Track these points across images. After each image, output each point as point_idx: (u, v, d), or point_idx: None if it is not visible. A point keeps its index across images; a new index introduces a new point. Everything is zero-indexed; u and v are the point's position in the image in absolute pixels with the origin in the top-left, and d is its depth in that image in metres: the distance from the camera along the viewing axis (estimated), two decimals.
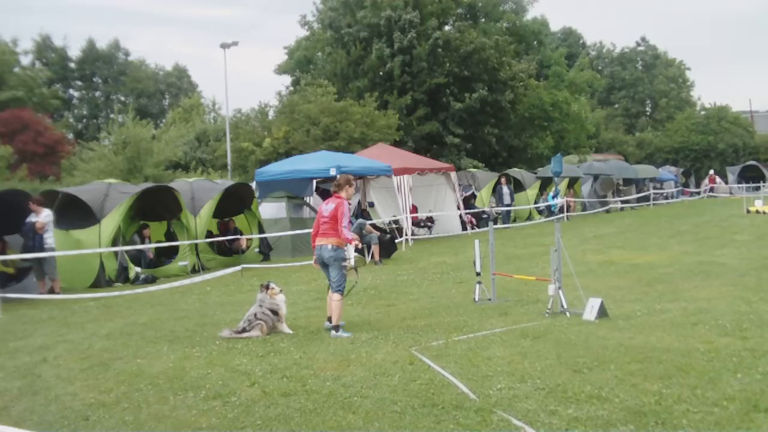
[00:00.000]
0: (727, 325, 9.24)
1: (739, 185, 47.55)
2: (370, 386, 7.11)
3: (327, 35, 44.19)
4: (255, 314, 9.90)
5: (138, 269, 17.37)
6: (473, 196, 30.86)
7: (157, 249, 18.58)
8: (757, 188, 44.32)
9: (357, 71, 41.06)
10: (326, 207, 10.29)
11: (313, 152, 27.24)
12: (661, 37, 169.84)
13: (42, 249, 15.06)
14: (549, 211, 32.19)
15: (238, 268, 17.08)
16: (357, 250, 18.63)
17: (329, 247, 10.07)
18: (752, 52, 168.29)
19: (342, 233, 9.96)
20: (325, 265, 10.20)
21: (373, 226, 20.46)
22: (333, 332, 9.69)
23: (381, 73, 40.77)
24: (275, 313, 10.00)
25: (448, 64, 40.46)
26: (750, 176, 49.84)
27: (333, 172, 21.64)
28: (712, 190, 48.53)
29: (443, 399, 6.62)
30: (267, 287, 10.22)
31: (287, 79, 50.56)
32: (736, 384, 6.76)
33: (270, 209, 22.22)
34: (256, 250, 20.41)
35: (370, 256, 18.67)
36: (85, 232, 16.89)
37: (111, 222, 17.02)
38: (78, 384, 7.77)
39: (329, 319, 10.06)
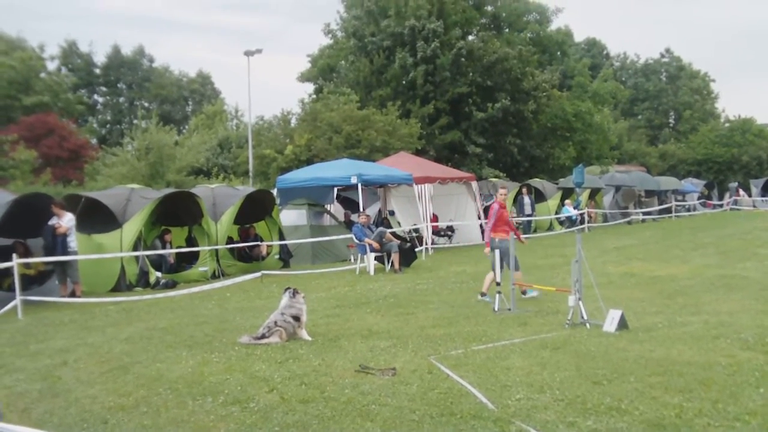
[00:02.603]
0: (749, 339, 9.16)
1: (763, 198, 47.10)
2: (389, 394, 7.09)
3: (350, 44, 44.32)
4: (275, 321, 9.94)
5: (158, 274, 17.45)
6: None
7: (177, 254, 18.67)
8: None
9: (380, 80, 41.13)
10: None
11: (335, 160, 27.30)
12: (685, 49, 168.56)
13: (66, 252, 15.18)
14: (570, 221, 32.03)
15: (258, 274, 17.11)
16: (377, 258, 18.68)
17: (496, 239, 12.91)
18: None
19: (486, 231, 13.20)
20: (492, 249, 12.70)
21: (394, 234, 20.46)
22: (479, 296, 12.86)
23: (404, 82, 40.82)
24: (297, 319, 10.05)
25: (471, 74, 40.45)
26: None
27: (354, 180, 21.68)
28: (735, 202, 48.09)
29: (461, 408, 6.60)
30: (296, 292, 10.35)
31: (310, 87, 50.75)
32: (758, 399, 6.70)
33: (291, 216, 22.29)
34: (276, 256, 20.45)
35: (390, 265, 18.65)
36: (107, 236, 17.00)
37: (133, 227, 17.12)
38: (97, 387, 7.81)
39: (482, 294, 12.76)
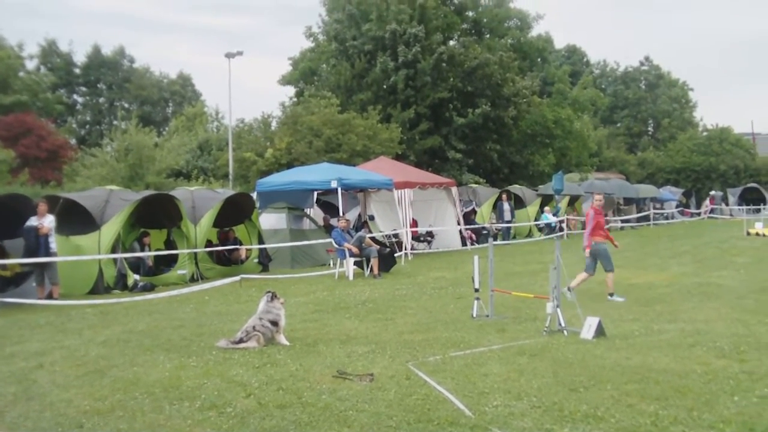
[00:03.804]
0: (724, 347, 9.27)
1: (740, 207, 47.57)
2: (366, 400, 7.09)
3: (332, 47, 44.31)
4: (254, 326, 9.89)
5: (136, 277, 17.35)
6: (474, 211, 30.88)
7: (156, 257, 18.58)
8: (758, 210, 44.32)
9: (361, 84, 41.14)
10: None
11: (315, 164, 27.28)
12: (664, 58, 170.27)
13: (49, 254, 15.09)
14: (549, 228, 32.16)
15: (236, 278, 17.05)
16: (356, 263, 18.68)
17: (592, 242, 13.81)
18: (755, 75, 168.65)
19: (585, 235, 14.05)
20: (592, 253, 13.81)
21: (373, 239, 20.46)
22: (609, 297, 13.62)
23: (385, 87, 40.84)
24: (275, 324, 10.01)
25: (451, 79, 40.52)
26: (751, 198, 49.84)
27: (334, 184, 21.68)
28: (712, 211, 48.53)
29: (438, 415, 6.62)
30: (274, 296, 10.32)
31: (291, 90, 50.72)
32: (732, 407, 6.78)
33: (270, 220, 22.24)
34: (256, 260, 20.39)
35: (369, 270, 18.66)
36: (85, 238, 16.87)
37: (111, 229, 17.01)
38: (73, 391, 7.75)
39: (568, 288, 12.61)
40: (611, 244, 14.46)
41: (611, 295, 13.83)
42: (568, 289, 12.66)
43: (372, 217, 25.80)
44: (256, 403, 7.09)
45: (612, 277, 13.97)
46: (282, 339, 9.98)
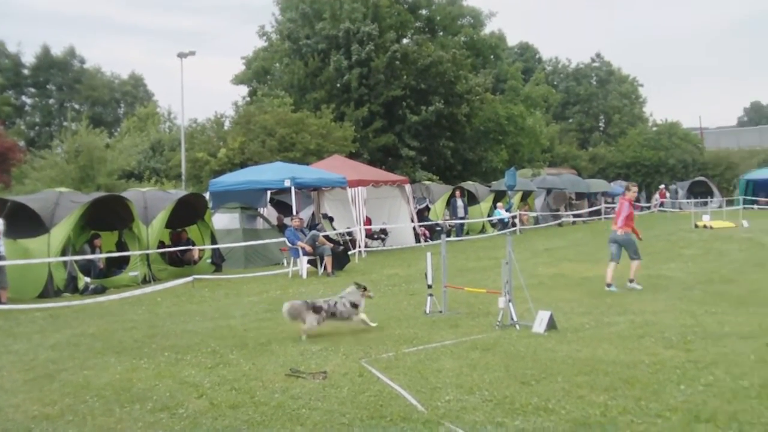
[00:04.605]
0: (672, 338, 9.44)
1: (688, 200, 48.34)
2: (319, 398, 7.11)
3: (285, 46, 44.03)
4: (335, 303, 10.54)
5: (87, 279, 17.13)
6: (427, 208, 30.98)
7: (107, 259, 18.36)
8: (705, 204, 45.07)
9: (314, 83, 40.99)
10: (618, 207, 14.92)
11: (268, 163, 27.15)
12: (615, 54, 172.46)
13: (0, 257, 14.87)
14: (502, 224, 32.40)
15: (189, 278, 16.96)
16: (310, 261, 18.66)
17: (619, 232, 14.38)
18: (703, 71, 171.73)
19: (615, 223, 14.55)
20: (615, 242, 14.43)
21: (327, 237, 20.44)
22: (628, 284, 14.21)
23: (338, 85, 40.75)
24: (355, 306, 10.70)
25: (405, 77, 40.52)
26: (699, 192, 50.65)
27: (287, 183, 21.63)
28: (662, 204, 49.26)
29: (391, 411, 6.65)
30: (365, 289, 11.07)
31: (244, 90, 50.19)
32: (679, 395, 6.92)
33: (223, 220, 22.11)
34: (209, 260, 20.28)
35: (322, 268, 18.65)
36: (34, 241, 16.62)
37: (61, 231, 16.79)
38: (21, 396, 7.65)
39: (608, 285, 14.12)
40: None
41: (631, 281, 14.39)
42: (630, 281, 14.18)
43: (332, 219, 25.73)
44: (208, 403, 7.07)
45: (637, 264, 14.51)
46: (363, 317, 10.74)
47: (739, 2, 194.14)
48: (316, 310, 10.28)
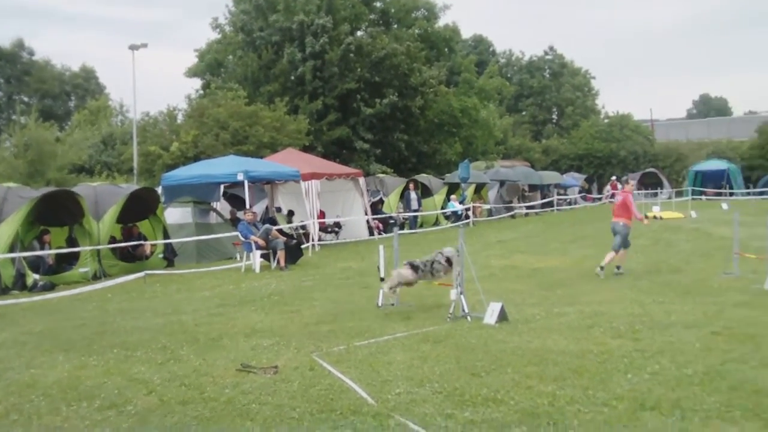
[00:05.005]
0: (620, 328, 9.61)
1: (639, 191, 49.04)
2: (270, 393, 7.10)
3: (238, 38, 43.77)
4: (432, 262, 11.29)
5: (36, 276, 16.82)
6: (381, 201, 31.03)
7: (57, 255, 18.08)
8: (655, 195, 45.80)
9: (268, 75, 40.82)
10: (617, 199, 16.12)
11: (222, 157, 26.95)
12: (568, 47, 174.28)
13: None
14: (455, 216, 32.58)
15: (141, 274, 16.79)
16: (263, 255, 18.58)
17: (621, 223, 15.29)
18: (654, 64, 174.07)
19: (634, 214, 15.44)
20: (617, 232, 15.26)
21: (280, 231, 20.37)
22: (615, 270, 15.09)
23: (292, 78, 40.64)
24: (449, 262, 11.23)
25: (359, 70, 40.53)
26: (649, 183, 51.44)
27: (240, 176, 21.48)
28: (613, 196, 49.84)
29: (342, 404, 6.67)
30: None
31: (197, 83, 49.79)
32: (625, 384, 7.05)
33: (176, 214, 21.89)
34: (160, 255, 20.07)
35: (275, 262, 18.57)
36: None
37: (8, 227, 16.48)
38: None
39: (602, 268, 14.85)
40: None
41: (618, 268, 15.24)
42: (601, 268, 14.89)
43: (291, 213, 25.63)
44: (157, 400, 7.02)
45: (616, 255, 15.18)
46: (455, 272, 11.09)
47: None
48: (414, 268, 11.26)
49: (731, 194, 46.17)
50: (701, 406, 6.35)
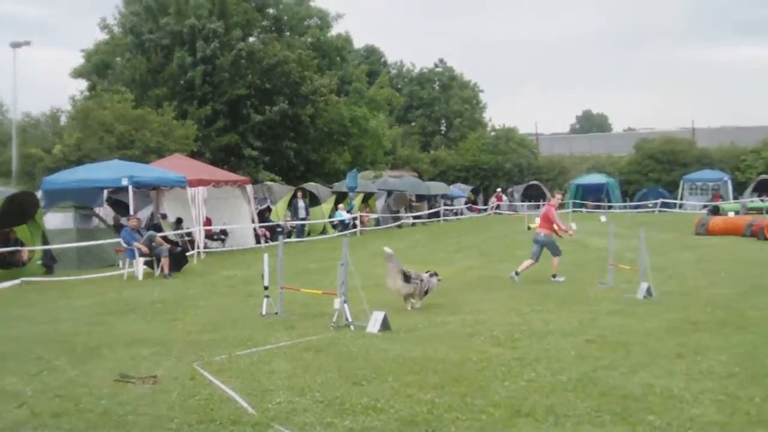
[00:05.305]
0: (500, 336, 9.87)
1: (522, 203, 50.38)
2: (148, 403, 7.00)
3: (127, 40, 42.84)
4: (422, 279, 12.66)
5: None
6: (268, 209, 30.89)
7: None
8: (538, 206, 47.12)
9: (157, 79, 40.10)
10: (541, 211, 17.29)
11: (106, 161, 26.33)
12: (457, 60, 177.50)
13: None
14: (343, 225, 32.73)
15: (17, 281, 16.30)
16: (146, 262, 18.27)
17: (542, 233, 16.18)
18: (541, 80, 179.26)
19: (557, 226, 16.20)
20: (537, 242, 16.17)
21: (164, 238, 20.06)
22: (552, 279, 15.83)
23: (181, 82, 40.04)
24: (427, 292, 12.77)
25: (250, 76, 40.26)
26: (533, 195, 52.91)
27: (125, 182, 21.10)
28: (498, 207, 51.03)
29: (221, 414, 6.64)
30: (436, 274, 13.16)
31: (83, 84, 48.46)
32: (503, 391, 7.24)
33: (56, 219, 21.24)
34: (39, 262, 19.44)
35: (159, 269, 18.29)
36: None
37: None
38: None
39: (517, 273, 15.87)
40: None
41: (554, 276, 15.96)
42: (516, 273, 15.83)
43: (180, 220, 25.23)
44: (29, 412, 6.81)
45: (558, 260, 16.15)
46: (419, 303, 12.66)
47: (573, 18, 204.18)
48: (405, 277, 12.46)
49: (610, 207, 47.92)
50: (573, 412, 6.57)
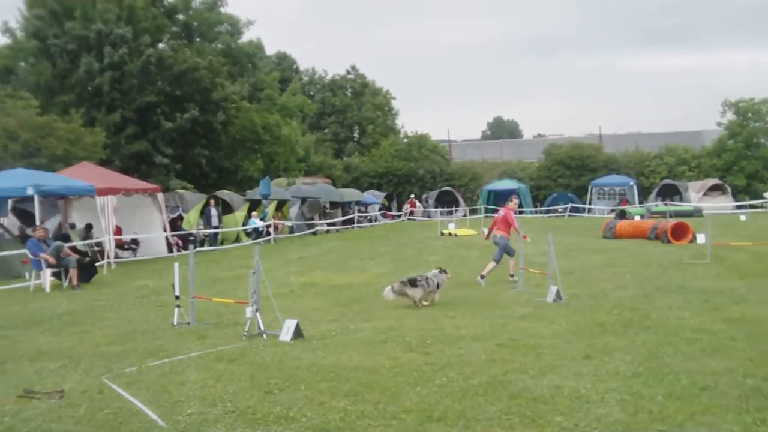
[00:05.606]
0: (412, 342, 9.98)
1: (435, 209, 50.91)
2: (53, 419, 6.88)
3: (31, 45, 41.63)
4: (428, 277, 13.40)
5: None
6: (180, 217, 30.50)
7: None
8: (451, 212, 47.71)
9: (63, 85, 39.11)
10: (499, 214, 17.29)
11: (10, 170, 25.57)
12: (369, 67, 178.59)
13: None
14: (257, 233, 32.55)
15: None
16: (54, 273, 17.85)
17: (499, 235, 16.78)
18: (452, 87, 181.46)
19: (515, 229, 16.52)
20: (495, 244, 16.85)
21: (73, 248, 19.63)
22: (510, 277, 16.61)
23: (89, 88, 39.09)
24: (438, 286, 13.58)
25: (160, 83, 39.67)
26: (446, 201, 53.53)
27: (30, 191, 20.53)
28: (412, 213, 51.45)
29: (130, 428, 6.58)
30: (444, 271, 14.16)
31: None
32: (415, 397, 7.33)
33: None
34: None
35: (67, 281, 17.88)
36: None
37: None
38: None
39: (482, 277, 16.20)
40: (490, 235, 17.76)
41: (512, 276, 16.65)
42: (481, 277, 16.15)
43: (73, 226, 24.67)
44: None
45: (515, 261, 16.56)
46: (437, 298, 13.62)
47: (484, 26, 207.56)
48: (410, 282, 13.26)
49: (521, 212, 48.74)
50: (484, 415, 6.69)
